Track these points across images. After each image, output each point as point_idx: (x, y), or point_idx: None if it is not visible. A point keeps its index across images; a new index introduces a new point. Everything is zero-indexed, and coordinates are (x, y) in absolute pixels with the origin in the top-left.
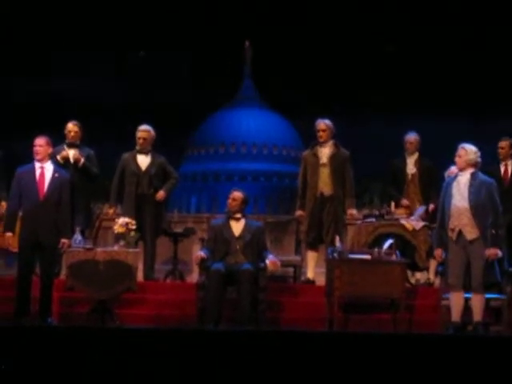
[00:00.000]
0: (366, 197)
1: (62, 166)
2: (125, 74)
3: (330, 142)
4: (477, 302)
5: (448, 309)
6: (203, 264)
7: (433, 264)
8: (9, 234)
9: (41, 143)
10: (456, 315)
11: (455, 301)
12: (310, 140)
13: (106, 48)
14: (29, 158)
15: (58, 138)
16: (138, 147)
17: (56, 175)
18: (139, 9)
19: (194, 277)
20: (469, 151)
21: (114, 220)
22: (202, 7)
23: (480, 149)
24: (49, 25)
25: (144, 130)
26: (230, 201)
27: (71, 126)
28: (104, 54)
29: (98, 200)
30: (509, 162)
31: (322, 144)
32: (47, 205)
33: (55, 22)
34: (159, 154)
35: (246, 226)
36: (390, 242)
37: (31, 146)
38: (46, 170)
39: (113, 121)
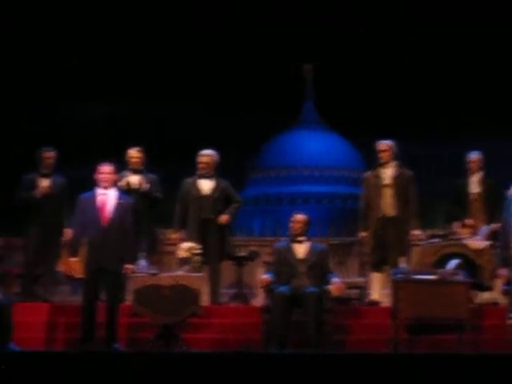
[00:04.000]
0: (429, 217)
1: (125, 191)
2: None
3: (393, 163)
4: None
5: None
6: (268, 287)
7: (498, 283)
8: (74, 260)
9: (108, 170)
10: None
11: None
12: (373, 161)
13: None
14: (91, 183)
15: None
16: (199, 172)
17: (119, 201)
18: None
19: (258, 300)
20: None
21: (178, 245)
22: (264, 31)
23: None
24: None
25: (205, 155)
26: (292, 224)
27: (134, 152)
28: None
29: (161, 225)
30: None
31: (383, 165)
32: (110, 231)
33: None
34: (222, 178)
35: (309, 248)
36: (456, 262)
37: (93, 172)
38: (108, 196)
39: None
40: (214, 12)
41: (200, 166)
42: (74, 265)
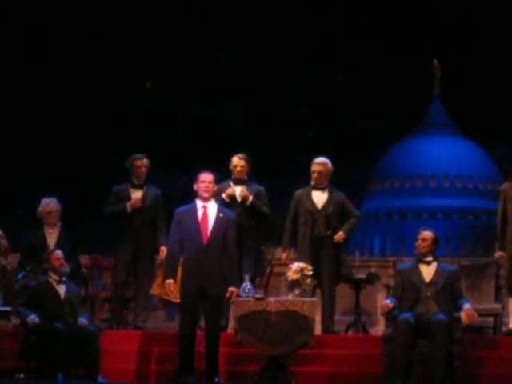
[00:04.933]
0: None
1: (228, 204)
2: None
3: None
4: None
5: None
6: (390, 314)
7: None
8: (169, 282)
9: (210, 179)
10: None
11: None
12: (510, 171)
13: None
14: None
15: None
16: (312, 182)
17: (220, 215)
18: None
19: (379, 329)
20: None
21: (287, 265)
22: (388, 28)
23: None
24: None
25: (319, 163)
26: (418, 242)
27: (237, 160)
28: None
29: (269, 243)
30: None
31: None
32: (211, 249)
33: None
34: (337, 190)
35: (437, 270)
36: None
37: (191, 182)
38: (209, 210)
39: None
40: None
41: (313, 175)
42: (170, 287)
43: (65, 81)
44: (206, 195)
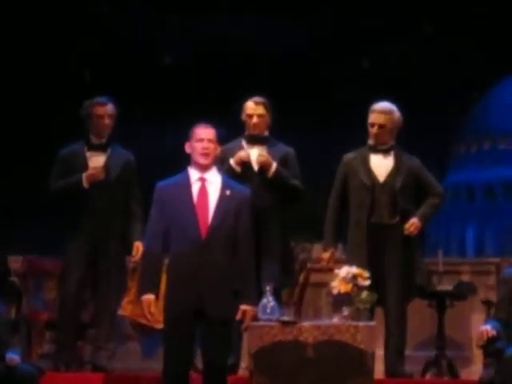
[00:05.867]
0: None
1: (239, 176)
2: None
3: None
4: None
5: None
6: (492, 346)
7: None
8: (148, 298)
9: (211, 136)
10: None
11: None
12: None
13: None
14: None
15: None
16: (370, 141)
17: (227, 193)
18: None
19: (474, 370)
20: None
21: (331, 271)
22: None
23: None
24: None
25: (381, 111)
26: None
27: (253, 107)
28: None
29: (302, 236)
30: None
31: None
32: (213, 246)
33: None
34: (407, 153)
35: None
36: None
37: (183, 139)
38: (209, 184)
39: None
40: None
41: (371, 130)
42: (148, 306)
43: None
44: (204, 161)
